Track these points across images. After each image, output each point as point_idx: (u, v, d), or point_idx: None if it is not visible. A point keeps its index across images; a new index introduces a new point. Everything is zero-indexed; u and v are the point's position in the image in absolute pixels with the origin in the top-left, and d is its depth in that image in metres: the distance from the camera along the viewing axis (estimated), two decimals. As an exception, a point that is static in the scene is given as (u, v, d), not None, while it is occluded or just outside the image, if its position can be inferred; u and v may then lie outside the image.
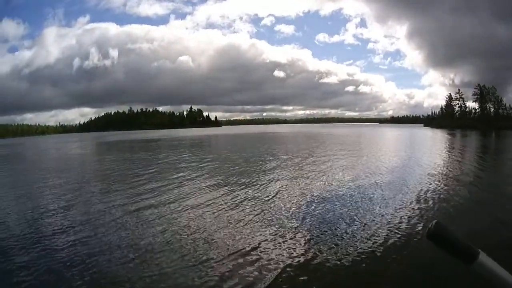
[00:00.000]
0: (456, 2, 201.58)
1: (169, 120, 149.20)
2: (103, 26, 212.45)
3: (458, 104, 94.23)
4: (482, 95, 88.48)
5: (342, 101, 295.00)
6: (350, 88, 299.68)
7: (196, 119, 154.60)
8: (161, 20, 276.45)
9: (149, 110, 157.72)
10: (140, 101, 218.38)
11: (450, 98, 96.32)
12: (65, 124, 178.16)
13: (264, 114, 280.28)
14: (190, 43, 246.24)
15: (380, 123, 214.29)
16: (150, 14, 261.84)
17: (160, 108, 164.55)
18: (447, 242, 0.58)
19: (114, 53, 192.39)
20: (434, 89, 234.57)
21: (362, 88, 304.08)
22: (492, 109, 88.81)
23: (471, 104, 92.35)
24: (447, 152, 21.30)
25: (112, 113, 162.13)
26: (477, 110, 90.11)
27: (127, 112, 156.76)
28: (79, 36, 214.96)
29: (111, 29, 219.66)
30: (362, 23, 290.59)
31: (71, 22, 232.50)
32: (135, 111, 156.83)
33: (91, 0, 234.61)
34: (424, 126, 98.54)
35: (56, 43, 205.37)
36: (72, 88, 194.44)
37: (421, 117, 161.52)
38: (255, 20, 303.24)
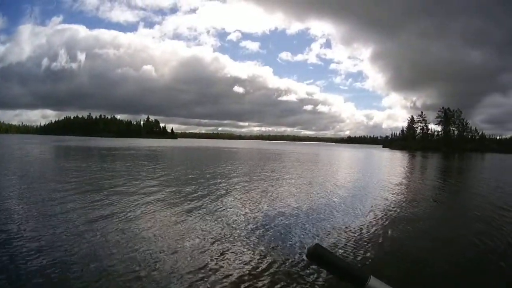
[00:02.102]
0: (426, 27, 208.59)
1: (126, 129, 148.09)
2: (73, 28, 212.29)
3: (420, 126, 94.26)
4: (447, 118, 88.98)
5: (299, 120, 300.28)
6: (309, 107, 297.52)
7: (153, 130, 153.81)
8: (130, 27, 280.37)
9: (107, 117, 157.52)
10: (101, 107, 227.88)
11: (412, 120, 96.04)
12: (28, 124, 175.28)
13: (220, 128, 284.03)
14: (155, 53, 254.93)
15: (336, 142, 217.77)
16: (121, 21, 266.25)
17: (119, 116, 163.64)
18: (330, 264, 0.63)
19: (81, 56, 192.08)
20: (395, 111, 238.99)
21: (321, 108, 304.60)
22: (456, 132, 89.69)
23: (434, 127, 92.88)
24: (400, 175, 20.25)
25: (72, 118, 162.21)
26: (440, 133, 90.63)
27: (86, 118, 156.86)
28: (50, 36, 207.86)
29: (81, 31, 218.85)
30: (327, 44, 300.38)
31: (45, 21, 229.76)
32: (94, 117, 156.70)
33: (67, 1, 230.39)
34: (384, 147, 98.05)
35: (29, 41, 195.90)
36: (38, 89, 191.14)
37: (379, 138, 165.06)
38: (222, 34, 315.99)
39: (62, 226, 6.11)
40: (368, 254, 5.18)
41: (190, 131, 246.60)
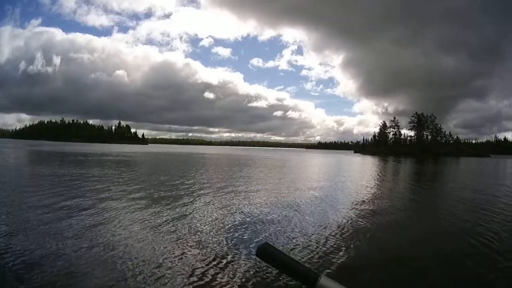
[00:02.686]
0: (399, 35, 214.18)
1: (98, 134, 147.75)
2: (50, 31, 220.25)
3: (392, 131, 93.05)
4: (420, 123, 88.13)
5: (269, 126, 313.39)
6: (279, 113, 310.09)
7: (124, 135, 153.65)
8: (105, 32, 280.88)
9: (80, 122, 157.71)
10: (74, 112, 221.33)
11: (384, 126, 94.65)
12: (3, 128, 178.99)
13: (190, 134, 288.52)
14: (128, 58, 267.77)
15: (307, 148, 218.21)
16: (97, 25, 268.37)
17: (91, 121, 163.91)
18: (280, 262, 0.64)
19: (57, 60, 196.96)
20: (366, 117, 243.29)
21: (291, 114, 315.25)
22: (429, 137, 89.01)
23: (407, 132, 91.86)
24: (370, 179, 19.22)
25: (46, 122, 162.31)
26: (413, 138, 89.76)
27: (59, 122, 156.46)
28: (28, 39, 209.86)
29: (58, 35, 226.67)
30: (299, 51, 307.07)
31: (24, 23, 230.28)
32: (67, 122, 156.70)
33: (46, 3, 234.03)
34: (355, 152, 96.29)
35: (8, 44, 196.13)
36: (15, 92, 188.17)
37: (350, 143, 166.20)
38: (194, 40, 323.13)
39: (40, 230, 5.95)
40: (324, 256, 5.20)
41: (161, 137, 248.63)
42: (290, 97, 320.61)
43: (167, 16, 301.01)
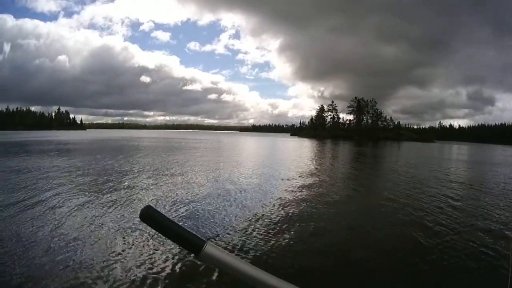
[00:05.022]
0: (337, 23, 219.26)
1: (39, 121, 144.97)
2: (2, 18, 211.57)
3: (330, 115, 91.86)
4: (359, 107, 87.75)
5: (203, 109, 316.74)
6: (213, 96, 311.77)
7: (64, 122, 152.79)
8: (52, 17, 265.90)
9: (23, 110, 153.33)
10: (20, 100, 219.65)
11: (322, 109, 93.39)
12: None
13: (126, 118, 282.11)
14: (69, 43, 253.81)
15: (241, 131, 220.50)
16: (45, 10, 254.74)
17: (33, 108, 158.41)
18: (163, 227, 0.63)
19: (7, 47, 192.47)
20: (301, 101, 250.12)
21: (225, 97, 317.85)
22: (370, 121, 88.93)
23: (345, 116, 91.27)
24: (306, 161, 18.71)
25: None
26: (353, 122, 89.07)
27: (4, 111, 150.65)
28: None
29: (9, 21, 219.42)
30: (236, 35, 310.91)
31: None
32: (11, 110, 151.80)
33: None
34: (292, 135, 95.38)
35: None
36: None
37: (285, 126, 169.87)
38: (135, 24, 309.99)
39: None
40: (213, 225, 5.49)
41: (97, 122, 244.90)
42: (225, 80, 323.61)
43: (112, 0, 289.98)
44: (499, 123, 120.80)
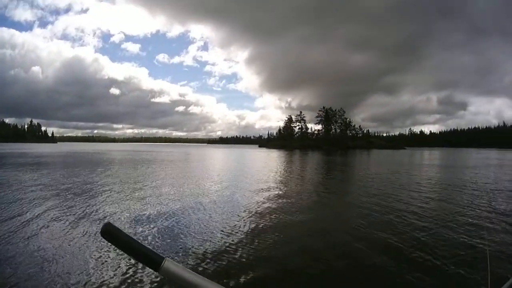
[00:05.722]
0: (307, 33, 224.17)
1: (13, 133, 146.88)
2: None
3: (299, 125, 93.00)
4: (328, 117, 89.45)
5: (171, 121, 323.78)
6: (180, 108, 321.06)
7: (36, 134, 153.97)
8: (28, 27, 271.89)
9: None
10: None
11: (290, 120, 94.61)
12: None
13: (95, 131, 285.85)
14: (43, 53, 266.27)
15: (209, 143, 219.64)
16: (22, 20, 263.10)
17: (7, 120, 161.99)
18: (123, 244, 0.64)
19: None
20: (268, 112, 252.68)
21: (193, 109, 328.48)
22: (338, 130, 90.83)
23: (313, 126, 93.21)
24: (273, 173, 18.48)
25: None
26: (321, 132, 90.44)
27: None
28: None
29: None
30: (204, 47, 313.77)
31: None
32: None
33: None
34: (260, 147, 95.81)
35: None
36: None
37: (252, 138, 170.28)
38: (106, 35, 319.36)
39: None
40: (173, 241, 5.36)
41: (68, 135, 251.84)
42: (193, 92, 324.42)
43: (85, 11, 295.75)
44: (472, 127, 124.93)
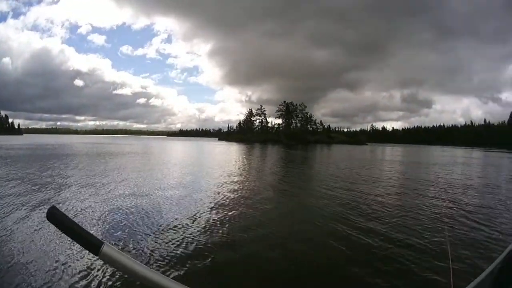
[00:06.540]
0: (272, 27, 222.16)
1: None
2: None
3: (259, 119, 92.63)
4: (288, 111, 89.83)
5: (132, 113, 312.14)
6: (142, 100, 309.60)
7: (3, 126, 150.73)
8: (2, 18, 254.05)
9: None
10: None
11: (250, 114, 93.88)
12: None
13: (59, 123, 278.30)
14: (14, 44, 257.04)
15: (168, 135, 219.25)
16: None
17: None
18: (66, 227, 0.65)
19: None
20: (228, 105, 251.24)
21: (154, 101, 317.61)
22: (299, 125, 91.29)
23: (274, 120, 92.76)
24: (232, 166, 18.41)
25: None
26: (281, 126, 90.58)
27: None
28: None
29: None
30: (168, 39, 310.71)
31: None
32: None
33: None
34: (219, 140, 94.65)
35: None
36: None
37: (212, 131, 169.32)
38: (74, 27, 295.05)
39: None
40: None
41: (33, 127, 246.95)
42: (154, 84, 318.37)
43: (56, 2, 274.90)
44: (437, 125, 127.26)
